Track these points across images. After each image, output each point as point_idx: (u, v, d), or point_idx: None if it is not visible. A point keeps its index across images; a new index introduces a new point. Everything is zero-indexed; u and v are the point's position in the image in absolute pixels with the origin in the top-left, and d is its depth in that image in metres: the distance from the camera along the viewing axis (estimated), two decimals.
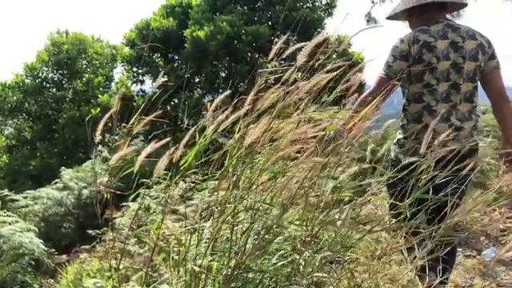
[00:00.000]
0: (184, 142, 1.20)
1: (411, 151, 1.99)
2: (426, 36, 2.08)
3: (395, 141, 2.22)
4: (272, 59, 1.30)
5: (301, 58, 1.27)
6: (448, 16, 2.26)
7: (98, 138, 1.19)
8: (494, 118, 2.25)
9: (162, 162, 1.15)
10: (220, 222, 1.28)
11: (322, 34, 1.30)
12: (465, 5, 2.35)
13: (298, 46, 1.29)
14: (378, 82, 2.11)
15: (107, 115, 1.21)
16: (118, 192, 1.28)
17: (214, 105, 1.33)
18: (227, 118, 1.28)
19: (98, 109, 11.07)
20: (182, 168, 1.29)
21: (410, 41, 2.09)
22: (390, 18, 2.37)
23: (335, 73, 1.35)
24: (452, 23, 2.15)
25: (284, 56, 1.32)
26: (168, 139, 1.20)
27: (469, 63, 2.07)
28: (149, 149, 1.16)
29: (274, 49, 1.30)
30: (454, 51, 2.07)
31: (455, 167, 1.62)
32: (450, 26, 2.11)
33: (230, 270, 1.27)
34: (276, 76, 1.33)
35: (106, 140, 10.05)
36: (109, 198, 1.26)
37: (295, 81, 1.33)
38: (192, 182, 1.70)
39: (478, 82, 2.16)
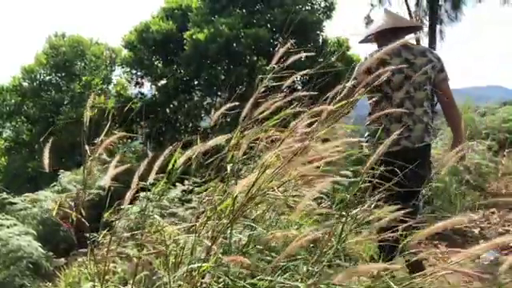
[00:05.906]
0: (154, 172, 1.20)
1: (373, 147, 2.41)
2: (383, 54, 2.40)
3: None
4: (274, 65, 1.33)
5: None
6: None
7: (46, 167, 1.20)
8: (446, 121, 2.69)
9: (130, 193, 1.17)
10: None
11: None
12: (420, 27, 2.76)
13: (300, 55, 1.31)
14: (349, 93, 2.40)
15: (49, 143, 1.22)
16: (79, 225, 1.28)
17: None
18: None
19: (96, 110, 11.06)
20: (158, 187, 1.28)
21: None
22: (363, 41, 2.82)
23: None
24: (407, 44, 2.56)
25: (286, 62, 1.33)
26: (124, 167, 1.21)
27: (420, 76, 2.48)
28: (112, 172, 1.18)
29: (277, 56, 1.34)
30: (407, 66, 2.46)
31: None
32: (404, 46, 2.52)
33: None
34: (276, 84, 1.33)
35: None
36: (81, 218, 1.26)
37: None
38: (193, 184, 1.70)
39: (429, 92, 2.57)
